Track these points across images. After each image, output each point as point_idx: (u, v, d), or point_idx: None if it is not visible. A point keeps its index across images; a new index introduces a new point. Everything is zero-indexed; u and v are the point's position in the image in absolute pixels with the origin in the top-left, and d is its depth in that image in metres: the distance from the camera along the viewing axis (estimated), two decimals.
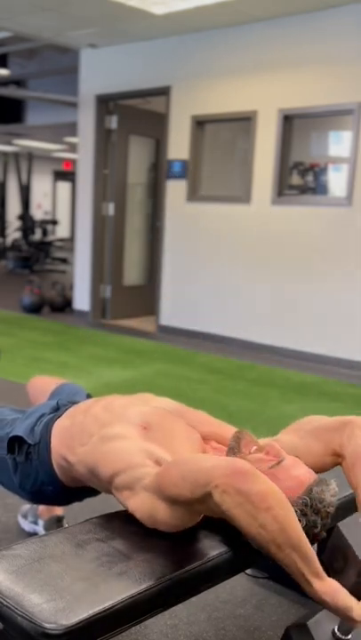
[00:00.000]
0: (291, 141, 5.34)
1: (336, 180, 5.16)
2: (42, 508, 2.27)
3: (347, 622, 1.21)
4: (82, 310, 7.05)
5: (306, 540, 1.18)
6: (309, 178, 5.31)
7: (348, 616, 1.18)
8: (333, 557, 1.47)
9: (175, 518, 1.29)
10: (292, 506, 1.27)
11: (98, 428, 1.54)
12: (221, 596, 1.98)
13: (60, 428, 1.64)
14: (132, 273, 7.18)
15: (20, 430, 1.70)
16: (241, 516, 1.16)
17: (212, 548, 1.33)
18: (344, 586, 1.27)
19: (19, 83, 9.88)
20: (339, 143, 5.17)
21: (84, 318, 6.95)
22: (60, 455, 1.60)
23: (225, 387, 4.35)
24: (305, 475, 1.31)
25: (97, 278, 6.92)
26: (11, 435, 1.70)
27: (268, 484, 1.16)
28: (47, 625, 1.06)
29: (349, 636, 1.41)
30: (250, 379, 4.58)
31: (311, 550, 1.19)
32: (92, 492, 1.68)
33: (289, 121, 5.28)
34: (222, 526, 1.41)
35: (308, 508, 1.27)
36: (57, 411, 1.78)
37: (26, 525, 2.31)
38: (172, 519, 1.29)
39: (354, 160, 4.88)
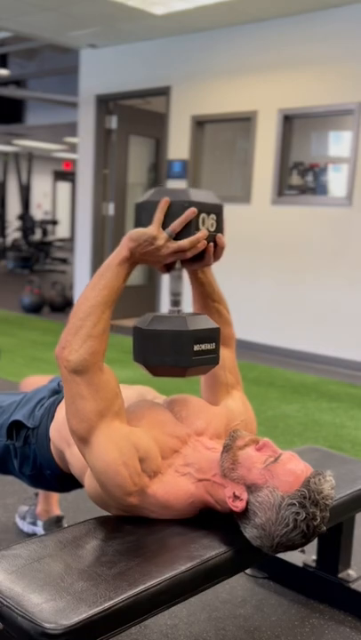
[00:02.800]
0: (291, 141, 5.34)
1: (336, 180, 5.16)
2: (40, 508, 2.27)
3: (157, 246, 1.39)
4: None
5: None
6: (309, 178, 5.31)
7: (154, 241, 1.38)
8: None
9: (103, 436, 1.34)
10: (291, 499, 1.26)
11: None
12: (221, 595, 1.98)
13: (60, 418, 1.64)
14: (132, 273, 7.16)
15: (19, 415, 1.70)
16: (84, 347, 1.34)
17: (212, 548, 1.33)
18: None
19: (19, 83, 9.88)
20: (339, 143, 5.17)
21: None
22: (59, 449, 1.60)
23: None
24: (302, 469, 1.31)
25: None
26: (10, 420, 1.70)
27: None
28: (47, 625, 1.06)
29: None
30: (250, 379, 4.58)
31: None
32: None
33: (289, 121, 5.28)
34: (222, 526, 1.41)
35: (307, 500, 1.26)
36: (57, 394, 1.77)
37: (24, 527, 2.31)
38: (103, 443, 1.34)
39: (354, 160, 4.88)
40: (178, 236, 1.40)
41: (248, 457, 1.35)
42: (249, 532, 1.33)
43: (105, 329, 1.38)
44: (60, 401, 1.69)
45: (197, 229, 1.41)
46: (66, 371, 1.35)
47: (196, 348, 1.38)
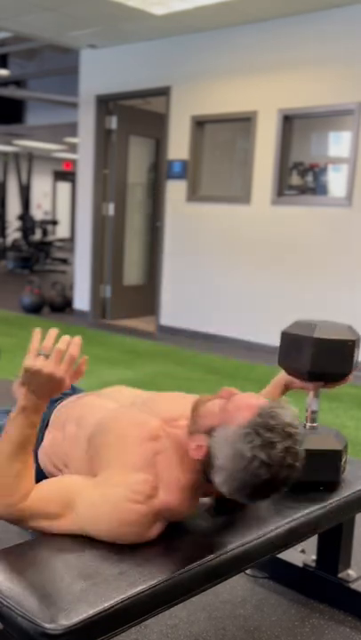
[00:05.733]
0: (291, 141, 5.34)
1: (336, 181, 5.16)
2: None
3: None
4: (82, 310, 7.05)
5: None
6: (309, 178, 5.31)
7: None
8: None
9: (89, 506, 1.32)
10: (243, 429, 1.23)
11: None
12: (221, 595, 1.98)
13: (48, 442, 1.60)
14: (132, 273, 7.17)
15: None
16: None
17: (212, 548, 1.33)
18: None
19: (19, 83, 9.88)
20: (339, 143, 5.17)
21: (84, 318, 6.94)
22: (50, 472, 1.57)
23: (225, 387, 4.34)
24: (254, 402, 1.28)
25: (97, 278, 6.92)
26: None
27: None
28: (47, 625, 1.06)
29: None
30: (250, 379, 4.58)
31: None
32: None
33: (289, 121, 5.28)
34: (222, 527, 1.41)
35: (260, 427, 1.21)
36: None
37: None
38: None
39: (354, 160, 4.88)
40: (335, 365, 1.80)
41: (208, 407, 1.35)
42: (217, 480, 1.28)
43: None
44: (46, 425, 1.67)
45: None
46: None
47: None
